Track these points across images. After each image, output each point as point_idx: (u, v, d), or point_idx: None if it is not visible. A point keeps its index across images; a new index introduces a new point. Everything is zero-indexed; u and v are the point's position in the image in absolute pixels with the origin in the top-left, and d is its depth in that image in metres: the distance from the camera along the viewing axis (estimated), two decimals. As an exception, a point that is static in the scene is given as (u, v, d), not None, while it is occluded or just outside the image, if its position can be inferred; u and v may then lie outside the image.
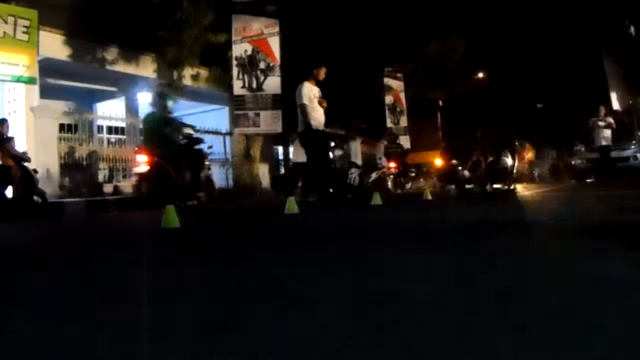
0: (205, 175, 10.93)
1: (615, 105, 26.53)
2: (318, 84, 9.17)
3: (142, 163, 9.17)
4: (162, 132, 9.82)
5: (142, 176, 9.35)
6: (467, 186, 15.87)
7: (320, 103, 8.95)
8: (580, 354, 1.10)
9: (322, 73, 9.10)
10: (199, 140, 10.84)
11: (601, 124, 16.20)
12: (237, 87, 15.54)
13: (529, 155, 23.57)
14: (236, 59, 15.55)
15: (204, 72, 17.49)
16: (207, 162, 11.15)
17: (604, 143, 16.25)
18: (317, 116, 8.92)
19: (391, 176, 18.87)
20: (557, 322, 1.31)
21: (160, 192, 8.90)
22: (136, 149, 10.83)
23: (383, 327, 1.36)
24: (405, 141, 24.17)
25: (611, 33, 28.04)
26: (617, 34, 27.83)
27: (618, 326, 1.27)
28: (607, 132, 16.16)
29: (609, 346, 1.14)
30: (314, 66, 9.16)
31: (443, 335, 1.27)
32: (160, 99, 10.45)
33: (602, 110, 16.57)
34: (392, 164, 18.80)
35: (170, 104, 10.64)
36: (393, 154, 19.28)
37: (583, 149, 18.91)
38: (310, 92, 8.90)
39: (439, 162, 23.96)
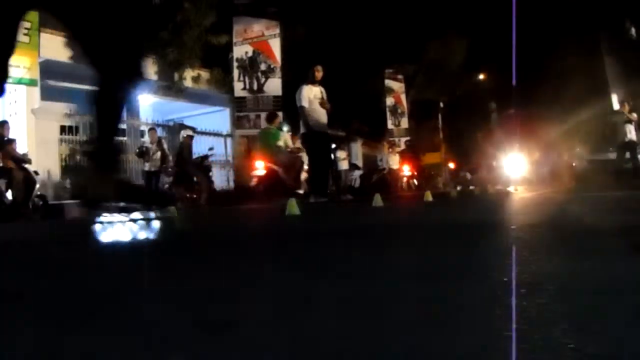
0: (304, 177, 13.58)
1: (617, 106, 26.51)
2: (321, 84, 9.14)
3: (259, 168, 11.72)
4: (275, 144, 12.09)
5: (259, 178, 11.79)
6: (470, 187, 15.91)
7: (322, 104, 8.92)
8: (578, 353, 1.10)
9: (318, 73, 9.05)
10: (300, 150, 12.99)
11: (621, 118, 15.30)
12: (238, 89, 15.57)
13: (535, 156, 23.56)
14: (237, 60, 15.58)
15: (204, 74, 17.52)
16: (305, 167, 13.84)
17: (626, 139, 15.26)
18: (318, 118, 8.90)
19: (405, 178, 19.51)
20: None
21: (272, 189, 11.14)
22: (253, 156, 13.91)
23: (383, 329, 1.36)
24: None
25: (612, 34, 28.03)
26: (618, 35, 27.83)
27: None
28: (630, 128, 15.24)
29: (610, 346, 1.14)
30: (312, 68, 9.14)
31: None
32: (275, 117, 12.54)
33: (627, 106, 15.69)
34: (408, 167, 19.66)
35: (283, 124, 13.75)
36: (408, 157, 19.97)
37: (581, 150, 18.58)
38: (309, 94, 8.87)
39: (451, 165, 24.23)
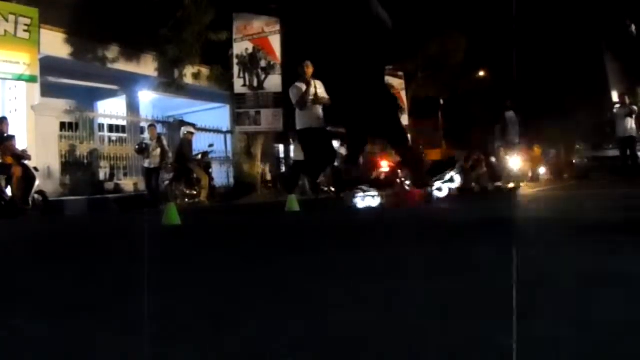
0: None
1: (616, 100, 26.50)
2: (320, 79, 9.10)
3: (385, 166, 13.48)
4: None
5: (386, 174, 13.34)
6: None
7: (317, 100, 8.85)
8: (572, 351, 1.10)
9: (308, 69, 9.00)
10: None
11: (621, 111, 14.73)
12: (238, 86, 15.52)
13: (536, 153, 23.51)
14: (237, 57, 15.53)
15: (205, 71, 17.48)
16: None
17: (626, 134, 14.67)
18: (312, 114, 8.86)
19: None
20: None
21: (392, 182, 12.41)
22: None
23: (382, 322, 1.36)
24: (406, 140, 24.26)
25: (612, 31, 28.01)
26: (618, 32, 27.81)
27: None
28: (629, 122, 14.65)
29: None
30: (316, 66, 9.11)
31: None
32: None
33: (627, 99, 15.14)
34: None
35: None
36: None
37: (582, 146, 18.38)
38: (301, 92, 8.84)
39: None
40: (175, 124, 17.20)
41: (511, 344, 1.11)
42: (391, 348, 1.18)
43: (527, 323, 1.26)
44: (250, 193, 16.08)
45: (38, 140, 13.47)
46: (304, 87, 8.82)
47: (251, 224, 5.78)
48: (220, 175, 18.26)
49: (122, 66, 16.78)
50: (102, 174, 16.15)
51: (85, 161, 15.51)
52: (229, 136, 19.60)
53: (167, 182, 13.03)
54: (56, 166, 14.13)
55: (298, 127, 9.07)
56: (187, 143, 13.40)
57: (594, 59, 27.52)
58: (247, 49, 15.52)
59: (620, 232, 3.17)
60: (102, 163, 16.19)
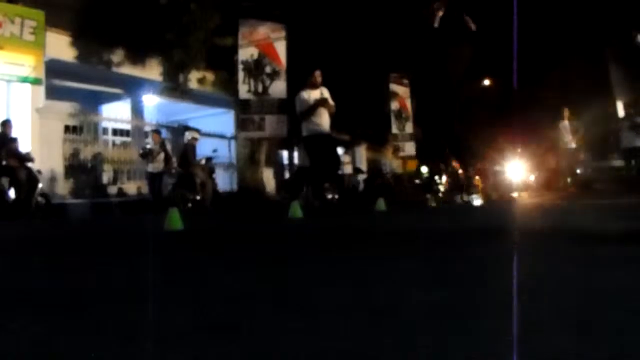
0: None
1: (622, 113, 26.45)
2: (325, 86, 9.13)
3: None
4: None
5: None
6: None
7: (323, 103, 8.87)
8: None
9: (317, 77, 9.04)
10: None
11: (626, 122, 14.69)
12: (243, 91, 15.51)
13: (539, 163, 23.44)
14: (242, 62, 15.53)
15: (209, 76, 17.51)
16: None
17: (630, 145, 14.57)
18: (319, 121, 8.87)
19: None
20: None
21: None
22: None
23: (384, 333, 1.35)
24: (410, 148, 24.15)
25: (618, 42, 28.01)
26: (623, 42, 27.79)
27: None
28: (634, 132, 14.51)
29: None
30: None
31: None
32: None
33: (631, 109, 15.12)
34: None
35: None
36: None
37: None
38: (310, 99, 8.86)
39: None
40: (180, 129, 17.23)
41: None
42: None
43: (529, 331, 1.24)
44: (253, 199, 16.07)
45: (42, 143, 13.49)
46: (309, 96, 8.85)
47: (253, 230, 5.77)
48: (224, 180, 18.28)
49: (127, 70, 16.82)
50: (106, 178, 16.17)
51: (89, 164, 15.53)
52: (232, 142, 19.63)
53: (170, 187, 13.04)
54: (60, 169, 14.15)
55: (304, 134, 9.09)
56: (191, 148, 13.41)
57: (599, 68, 27.48)
58: (252, 55, 15.51)
59: (621, 243, 3.16)
60: (106, 166, 16.22)
